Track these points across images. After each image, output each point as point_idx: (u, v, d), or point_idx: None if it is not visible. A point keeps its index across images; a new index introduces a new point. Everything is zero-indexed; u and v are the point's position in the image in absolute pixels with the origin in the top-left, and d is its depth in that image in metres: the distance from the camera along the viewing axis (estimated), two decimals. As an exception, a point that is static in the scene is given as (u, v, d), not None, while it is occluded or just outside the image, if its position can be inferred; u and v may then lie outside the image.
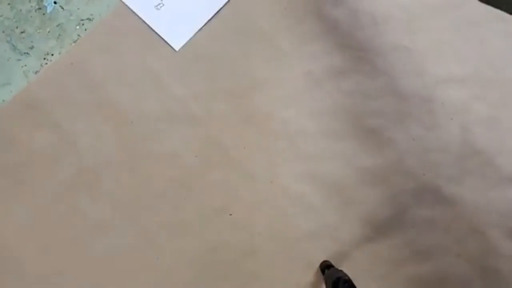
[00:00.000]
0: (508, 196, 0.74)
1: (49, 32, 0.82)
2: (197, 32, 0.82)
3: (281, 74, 0.81)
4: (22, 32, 0.81)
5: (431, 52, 0.78)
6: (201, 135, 0.81)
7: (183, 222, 0.80)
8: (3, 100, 0.80)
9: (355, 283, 0.63)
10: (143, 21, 0.82)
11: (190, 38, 0.82)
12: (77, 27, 0.82)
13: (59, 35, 0.82)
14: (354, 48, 0.79)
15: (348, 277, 0.67)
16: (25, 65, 0.81)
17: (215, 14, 0.82)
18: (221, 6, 0.82)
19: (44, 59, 0.81)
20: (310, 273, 0.77)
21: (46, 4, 0.82)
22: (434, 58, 0.78)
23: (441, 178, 0.76)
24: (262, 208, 0.79)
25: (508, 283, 0.72)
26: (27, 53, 0.81)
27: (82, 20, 0.82)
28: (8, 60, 0.81)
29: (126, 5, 0.83)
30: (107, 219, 0.79)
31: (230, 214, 0.80)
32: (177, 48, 0.82)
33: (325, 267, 0.75)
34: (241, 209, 0.80)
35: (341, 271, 0.71)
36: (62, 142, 0.80)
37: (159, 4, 0.82)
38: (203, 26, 0.82)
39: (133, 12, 0.82)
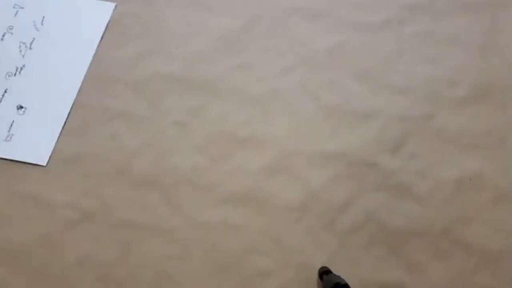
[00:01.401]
0: (373, 128, 0.84)
1: None
2: (57, 139, 0.84)
3: (151, 133, 0.86)
4: None
5: (258, 59, 0.91)
6: (104, 225, 0.79)
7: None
8: None
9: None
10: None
11: (53, 148, 0.84)
12: None
13: None
14: (199, 86, 0.89)
15: (346, 282, 0.67)
16: None
17: (68, 116, 0.86)
18: (69, 108, 0.86)
19: None
20: (269, 282, 0.76)
21: None
22: (264, 62, 0.91)
23: (319, 140, 0.85)
24: (195, 254, 0.78)
25: (413, 187, 0.81)
26: None
27: None
28: None
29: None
30: None
31: (169, 277, 0.77)
32: (44, 163, 0.83)
33: (323, 273, 0.74)
34: (177, 266, 0.77)
35: (339, 277, 0.70)
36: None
37: (8, 136, 0.84)
38: (61, 131, 0.85)
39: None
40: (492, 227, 0.79)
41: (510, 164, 0.82)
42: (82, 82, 0.88)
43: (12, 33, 0.91)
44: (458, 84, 0.87)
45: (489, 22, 0.91)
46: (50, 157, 0.83)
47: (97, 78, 0.89)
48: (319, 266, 0.77)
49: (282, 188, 0.82)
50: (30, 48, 0.89)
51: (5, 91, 0.87)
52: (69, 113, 0.86)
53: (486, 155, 0.83)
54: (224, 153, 0.84)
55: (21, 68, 0.88)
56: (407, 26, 0.91)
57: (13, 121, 0.85)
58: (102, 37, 0.92)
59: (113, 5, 0.94)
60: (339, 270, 0.77)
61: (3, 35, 0.91)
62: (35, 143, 0.83)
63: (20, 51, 0.89)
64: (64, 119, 0.85)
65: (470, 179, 0.81)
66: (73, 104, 0.87)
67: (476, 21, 0.91)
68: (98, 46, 0.91)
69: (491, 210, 0.80)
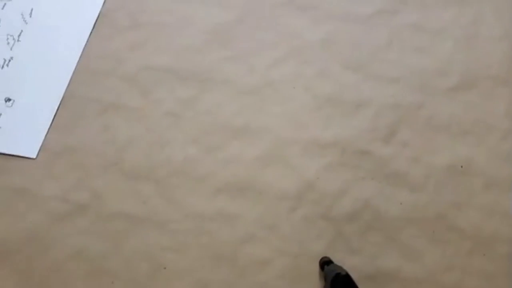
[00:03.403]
0: (365, 117, 0.85)
1: None
2: (47, 132, 0.83)
3: (143, 125, 0.84)
4: None
5: (249, 51, 0.92)
6: (96, 217, 0.78)
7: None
8: None
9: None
10: (-13, 151, 0.81)
11: (43, 140, 0.82)
12: None
13: None
14: (191, 77, 0.89)
15: (347, 272, 0.67)
16: None
17: (58, 108, 0.84)
18: (59, 100, 0.84)
19: None
20: (265, 271, 0.75)
21: None
22: (254, 54, 0.91)
23: (312, 129, 0.85)
24: (190, 244, 0.77)
25: (407, 174, 0.81)
26: None
27: None
28: None
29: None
30: None
31: (165, 268, 0.75)
32: (34, 155, 0.81)
33: (324, 263, 0.73)
34: (172, 257, 0.76)
35: (340, 267, 0.71)
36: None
37: (-4, 128, 0.82)
38: (51, 123, 0.83)
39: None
40: (484, 211, 0.80)
41: (498, 151, 0.84)
42: (73, 74, 0.87)
43: (-2, 26, 0.90)
44: (447, 74, 0.88)
45: (474, 14, 0.93)
46: (39, 149, 0.81)
47: (87, 70, 0.88)
48: (315, 255, 0.77)
49: (277, 178, 0.81)
50: (18, 41, 0.88)
51: (-8, 84, 0.85)
52: (59, 105, 0.84)
53: (475, 142, 0.84)
54: (217, 144, 0.84)
55: (9, 60, 0.87)
56: (397, 17, 0.92)
57: (0, 114, 0.83)
58: (92, 30, 0.91)
59: (102, -2, 0.94)
60: (336, 258, 0.77)
61: (-11, 29, 0.89)
62: (24, 136, 0.82)
63: (8, 43, 0.88)
64: (54, 111, 0.83)
65: (461, 166, 0.82)
66: (63, 96, 0.85)
67: (462, 13, 0.93)
68: (88, 38, 0.90)
69: (483, 196, 0.81)
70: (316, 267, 0.76)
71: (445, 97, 0.87)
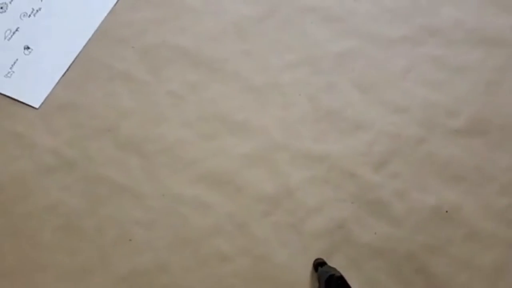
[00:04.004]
0: (362, 139, 0.84)
1: None
2: (55, 86, 0.86)
3: (146, 99, 0.87)
4: None
5: (266, 50, 0.91)
6: (81, 176, 0.81)
7: (83, 264, 0.76)
8: None
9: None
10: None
11: (49, 93, 0.85)
12: None
13: None
14: (204, 63, 0.90)
15: (341, 274, 0.67)
16: None
17: (70, 66, 0.87)
18: (73, 58, 0.88)
19: None
20: (224, 266, 0.76)
21: None
22: (270, 53, 0.91)
23: (306, 140, 0.84)
24: (160, 223, 0.79)
25: (389, 206, 0.80)
26: None
27: None
28: None
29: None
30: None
31: (130, 240, 0.78)
32: (37, 105, 0.84)
33: (318, 264, 0.74)
34: (140, 232, 0.78)
35: (334, 268, 0.71)
36: None
37: (9, 72, 0.86)
38: (60, 79, 0.86)
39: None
40: (459, 262, 0.77)
41: (491, 205, 0.81)
42: (92, 36, 0.90)
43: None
44: (457, 114, 0.86)
45: (503, 59, 0.90)
46: (44, 101, 0.85)
47: (106, 35, 0.90)
48: (277, 261, 0.77)
49: (259, 179, 0.82)
50: (50, -7, 0.91)
51: (17, 29, 0.89)
52: (72, 62, 0.87)
53: (468, 190, 0.82)
54: (212, 133, 0.85)
55: (37, 11, 0.90)
56: (421, 46, 0.90)
57: (17, 59, 0.87)
58: (120, -3, 0.93)
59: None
60: (297, 270, 0.77)
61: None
62: (32, 85, 0.85)
63: (40, -6, 0.91)
64: (66, 68, 0.87)
65: (447, 211, 0.80)
66: (77, 55, 0.88)
67: (490, 56, 0.90)
68: (116, 4, 0.92)
69: (461, 246, 0.78)
70: (272, 273, 0.76)
71: (449, 138, 0.84)
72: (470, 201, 0.81)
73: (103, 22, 0.91)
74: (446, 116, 0.85)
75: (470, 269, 0.77)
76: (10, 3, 0.90)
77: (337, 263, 0.76)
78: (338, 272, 0.69)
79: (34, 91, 0.85)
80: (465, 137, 0.84)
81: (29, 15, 0.90)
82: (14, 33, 0.88)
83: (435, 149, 0.83)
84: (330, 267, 0.73)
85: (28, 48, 0.88)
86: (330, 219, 0.79)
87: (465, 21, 0.91)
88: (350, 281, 0.74)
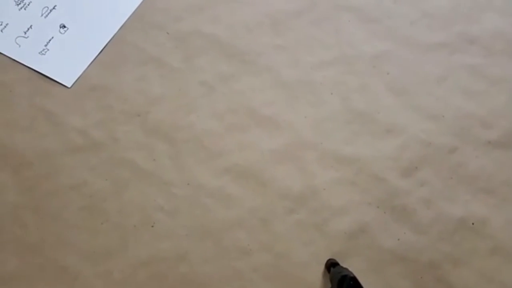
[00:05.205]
0: (392, 144, 0.83)
1: None
2: (88, 67, 0.86)
3: (177, 86, 0.86)
4: None
5: (300, 45, 0.90)
6: (107, 158, 0.81)
7: (104, 245, 0.76)
8: None
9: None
10: (30, 68, 0.85)
11: (82, 73, 0.85)
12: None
13: None
14: (237, 54, 0.89)
15: (353, 274, 0.67)
16: None
17: (104, 47, 0.87)
18: (108, 40, 0.88)
19: None
20: (244, 259, 0.76)
21: None
22: (304, 50, 0.90)
23: (336, 140, 0.83)
24: (183, 211, 0.79)
25: (414, 213, 0.79)
26: None
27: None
28: None
29: (8, 57, 0.85)
30: (12, 271, 0.74)
31: (152, 226, 0.78)
32: (69, 84, 0.85)
33: (331, 265, 0.74)
34: (163, 218, 0.78)
35: (346, 269, 0.71)
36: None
37: (43, 49, 0.86)
38: (93, 60, 0.86)
39: (17, 62, 0.85)
40: (481, 276, 0.76)
41: (519, 220, 0.79)
42: (127, 19, 0.89)
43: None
44: (491, 126, 0.84)
45: (544, 74, 0.88)
46: (76, 81, 0.85)
47: (142, 19, 0.90)
48: (297, 260, 0.77)
49: (285, 176, 0.81)
50: (89, -27, 0.91)
51: (54, 7, 0.89)
52: (106, 44, 0.87)
53: (497, 204, 0.80)
54: (240, 126, 0.84)
55: (75, -10, 0.90)
56: (459, 55, 0.88)
57: (52, 37, 0.87)
58: (158, -18, 0.93)
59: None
60: (316, 270, 0.76)
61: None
62: (66, 64, 0.85)
63: (79, -27, 0.91)
64: (100, 49, 0.87)
65: (473, 223, 0.79)
66: (112, 37, 0.88)
67: (531, 70, 0.88)
68: (153, -11, 0.92)
69: (484, 259, 0.77)
70: (292, 271, 0.76)
71: (481, 149, 0.83)
72: (497, 215, 0.79)
73: (139, 6, 0.90)
74: (480, 127, 0.84)
75: (492, 284, 0.76)
76: (48, -20, 0.90)
77: (357, 266, 0.76)
78: (351, 272, 0.68)
79: (67, 70, 0.85)
80: (498, 150, 0.83)
81: (67, -6, 0.90)
82: (51, 10, 0.89)
83: (466, 159, 0.82)
84: (342, 267, 0.73)
85: (64, 26, 0.88)
86: (354, 222, 0.79)
87: (506, 32, 0.89)
88: (369, 285, 0.73)
